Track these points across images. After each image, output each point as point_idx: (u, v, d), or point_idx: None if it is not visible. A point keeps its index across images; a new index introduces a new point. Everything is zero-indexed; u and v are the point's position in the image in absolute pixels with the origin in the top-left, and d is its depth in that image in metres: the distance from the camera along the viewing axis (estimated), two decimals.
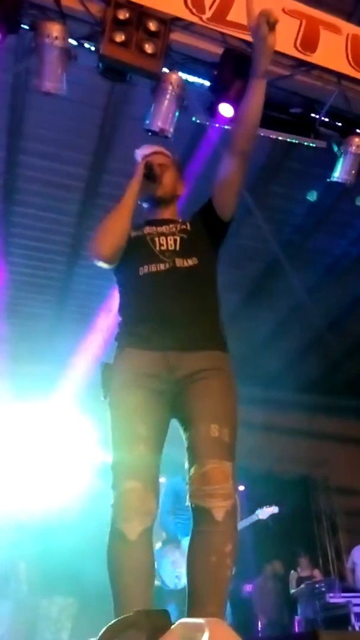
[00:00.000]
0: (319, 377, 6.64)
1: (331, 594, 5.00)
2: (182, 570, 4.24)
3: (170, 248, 1.79)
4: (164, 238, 1.81)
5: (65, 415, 5.33)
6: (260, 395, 5.99)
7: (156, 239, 1.80)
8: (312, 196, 3.11)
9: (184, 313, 1.69)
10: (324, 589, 5.16)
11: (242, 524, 4.47)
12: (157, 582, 3.90)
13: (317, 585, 5.31)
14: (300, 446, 6.31)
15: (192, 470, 1.50)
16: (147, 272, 1.74)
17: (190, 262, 1.77)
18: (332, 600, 4.95)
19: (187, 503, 1.53)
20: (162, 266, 1.74)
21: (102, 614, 1.36)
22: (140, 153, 2.00)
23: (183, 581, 3.87)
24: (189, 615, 1.35)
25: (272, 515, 4.46)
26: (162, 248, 1.78)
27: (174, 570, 3.92)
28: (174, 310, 1.69)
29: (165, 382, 1.61)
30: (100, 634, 0.81)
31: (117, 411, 1.59)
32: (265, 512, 4.37)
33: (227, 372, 1.66)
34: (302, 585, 5.45)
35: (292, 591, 5.61)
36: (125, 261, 1.79)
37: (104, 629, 0.76)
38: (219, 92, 3.04)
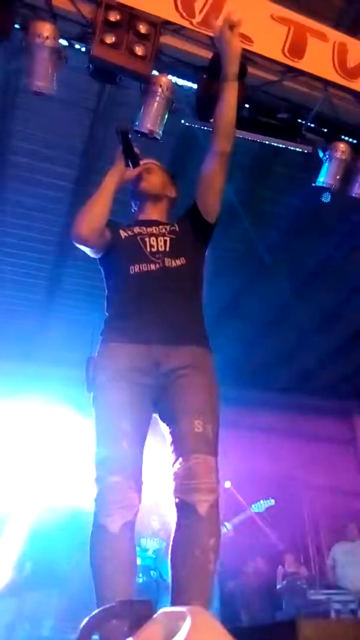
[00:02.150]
0: (303, 378, 6.73)
1: (312, 591, 5.08)
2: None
3: (160, 249, 1.83)
4: (154, 239, 1.85)
5: (55, 412, 5.34)
6: (247, 395, 6.05)
7: (147, 239, 1.85)
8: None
9: (172, 310, 1.74)
10: (305, 586, 5.24)
11: (239, 519, 4.54)
12: (155, 575, 3.94)
13: (298, 582, 5.38)
14: (284, 445, 6.39)
15: (177, 465, 1.54)
16: (137, 272, 1.78)
17: (179, 262, 1.82)
18: (313, 597, 5.02)
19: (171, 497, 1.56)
20: (152, 266, 1.79)
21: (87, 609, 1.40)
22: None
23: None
24: (175, 605, 1.40)
25: (269, 508, 4.55)
26: (153, 249, 1.83)
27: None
28: (162, 307, 1.73)
29: (150, 376, 1.64)
30: (82, 624, 0.84)
31: (101, 407, 1.62)
32: (261, 505, 4.44)
33: (210, 369, 1.71)
34: (284, 582, 5.52)
35: (278, 587, 5.69)
36: (116, 260, 1.84)
37: (86, 619, 0.79)
38: (207, 96, 3.07)
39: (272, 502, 4.53)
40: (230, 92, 1.91)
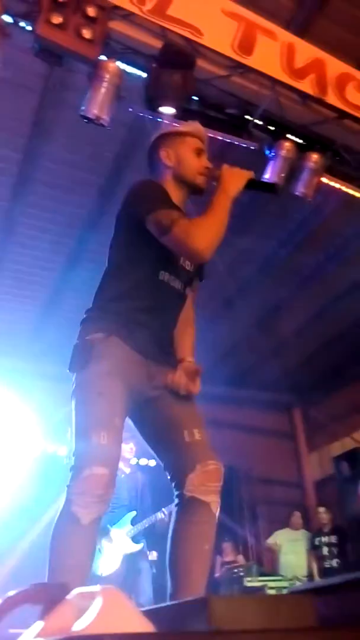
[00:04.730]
0: (245, 372, 6.87)
1: (249, 578, 5.22)
2: (109, 557, 4.27)
3: (187, 267, 1.82)
4: None
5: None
6: None
7: None
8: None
9: (169, 333, 1.78)
10: (242, 574, 5.37)
11: (171, 508, 4.57)
12: None
13: (235, 570, 5.51)
14: (226, 437, 6.51)
15: (197, 468, 1.61)
16: (165, 281, 1.75)
17: (188, 291, 1.85)
18: (249, 584, 5.16)
19: (180, 494, 1.62)
20: (177, 285, 1.78)
21: None
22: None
23: (109, 568, 3.93)
24: (179, 597, 1.47)
25: None
26: (183, 264, 1.81)
27: (101, 557, 3.96)
28: (166, 328, 1.76)
29: (143, 386, 1.67)
30: None
31: (96, 395, 1.57)
32: None
33: None
34: (222, 570, 5.65)
35: (216, 575, 5.80)
36: (155, 251, 1.71)
37: (0, 602, 0.78)
38: (156, 87, 3.06)
39: None
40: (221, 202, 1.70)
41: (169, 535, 1.64)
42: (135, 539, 4.11)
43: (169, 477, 1.69)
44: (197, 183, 1.84)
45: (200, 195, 1.88)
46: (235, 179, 1.73)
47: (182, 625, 0.72)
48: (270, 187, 1.89)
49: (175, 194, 1.82)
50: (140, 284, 1.73)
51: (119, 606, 0.69)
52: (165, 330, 1.76)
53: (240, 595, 4.01)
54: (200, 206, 1.79)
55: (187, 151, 1.85)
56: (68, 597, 0.76)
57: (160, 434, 1.71)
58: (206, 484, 1.60)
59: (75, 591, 0.76)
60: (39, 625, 0.75)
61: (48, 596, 0.80)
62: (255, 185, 1.80)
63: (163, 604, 0.99)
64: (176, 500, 1.66)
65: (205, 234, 1.63)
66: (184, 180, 1.84)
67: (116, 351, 1.63)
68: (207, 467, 1.61)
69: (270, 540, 6.17)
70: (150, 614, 0.77)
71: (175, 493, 1.66)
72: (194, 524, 1.60)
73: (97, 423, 1.54)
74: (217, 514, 1.63)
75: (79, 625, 0.69)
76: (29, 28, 2.87)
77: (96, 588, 0.73)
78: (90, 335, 1.65)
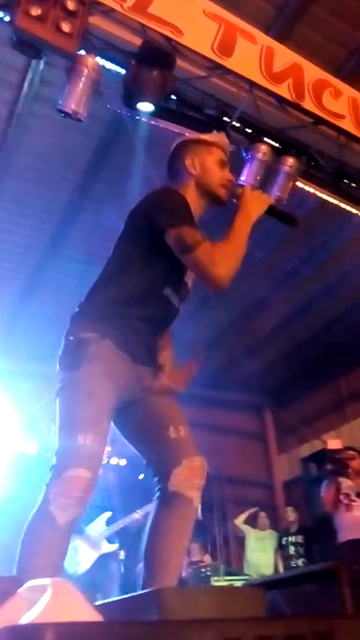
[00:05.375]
0: (217, 373, 6.90)
1: (216, 578, 5.25)
2: (83, 557, 4.24)
3: (188, 285, 1.81)
4: (191, 275, 1.81)
5: None
6: None
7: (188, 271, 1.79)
8: None
9: (159, 339, 1.79)
10: (209, 573, 5.40)
11: (146, 509, 4.56)
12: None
13: (203, 570, 5.53)
14: (197, 438, 6.53)
15: (182, 463, 1.61)
16: (168, 297, 1.73)
17: (181, 307, 1.82)
18: (216, 584, 5.19)
19: (162, 488, 1.62)
20: (175, 301, 1.76)
21: None
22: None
23: (83, 567, 3.91)
24: (151, 586, 1.47)
25: None
26: (187, 284, 1.80)
27: (75, 557, 3.94)
28: (157, 335, 1.76)
29: (131, 388, 1.67)
30: None
31: (87, 396, 1.55)
32: None
33: None
34: (189, 569, 5.66)
35: (183, 575, 5.82)
36: (164, 263, 1.70)
37: None
38: (135, 84, 3.05)
39: None
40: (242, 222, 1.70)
41: (148, 526, 1.64)
42: (109, 540, 4.11)
43: (151, 471, 1.69)
44: (219, 194, 1.82)
45: (219, 207, 1.86)
46: (257, 203, 1.74)
47: (134, 617, 0.72)
48: (288, 218, 1.86)
49: (195, 203, 1.79)
50: (144, 295, 1.71)
51: (67, 598, 0.69)
52: (156, 337, 1.78)
53: (193, 588, 4.04)
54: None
55: (212, 161, 1.84)
56: (20, 590, 0.76)
57: (145, 430, 1.71)
58: (190, 480, 1.61)
59: (27, 584, 0.75)
60: None
61: (1, 589, 0.79)
62: (274, 213, 1.81)
63: (117, 599, 0.99)
64: (157, 494, 1.65)
65: (227, 261, 1.62)
66: (206, 189, 1.82)
67: (109, 354, 1.61)
68: (192, 463, 1.62)
69: (237, 522, 6.25)
70: (104, 607, 0.77)
71: (158, 487, 1.66)
72: (174, 517, 1.61)
73: (84, 424, 1.52)
74: (198, 510, 1.65)
75: (28, 617, 0.68)
76: (7, 19, 2.84)
77: (47, 581, 0.73)
78: (84, 334, 1.62)
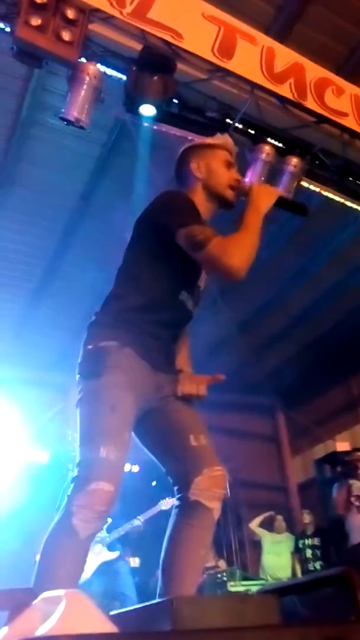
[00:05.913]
0: (228, 376, 6.87)
1: (232, 583, 5.20)
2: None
3: (201, 287, 1.81)
4: (205, 275, 1.81)
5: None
6: None
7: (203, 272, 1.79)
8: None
9: (176, 345, 1.79)
10: (225, 579, 5.35)
11: (146, 515, 4.54)
12: None
13: (219, 575, 5.49)
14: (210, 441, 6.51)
15: (204, 473, 1.59)
16: (183, 301, 1.73)
17: (195, 310, 1.81)
18: (233, 589, 5.15)
19: (183, 496, 1.60)
20: (190, 305, 1.75)
21: None
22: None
23: (84, 575, 3.88)
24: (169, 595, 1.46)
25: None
26: (200, 286, 1.79)
27: None
28: (174, 341, 1.76)
29: (151, 396, 1.66)
30: None
31: (112, 409, 1.53)
32: (167, 503, 4.43)
33: None
34: (205, 575, 5.61)
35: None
36: (178, 266, 1.69)
37: None
38: (136, 90, 3.06)
39: (177, 501, 4.57)
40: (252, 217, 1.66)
41: (167, 535, 1.62)
42: (110, 547, 4.08)
43: (171, 481, 1.67)
44: (227, 196, 1.81)
45: (229, 209, 1.84)
46: (266, 196, 1.71)
47: (147, 627, 0.71)
48: (299, 207, 1.86)
49: (204, 207, 1.78)
50: (160, 301, 1.70)
51: (82, 609, 0.68)
52: (174, 343, 1.77)
53: (205, 597, 4.00)
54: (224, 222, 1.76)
55: (218, 163, 1.83)
56: (34, 602, 0.74)
57: (165, 438, 1.69)
58: (212, 489, 1.59)
59: (41, 596, 0.74)
60: (3, 631, 0.73)
61: (13, 602, 0.78)
62: (284, 204, 1.80)
63: (130, 608, 0.97)
64: (177, 503, 1.64)
65: (241, 252, 1.59)
66: (213, 192, 1.81)
67: (130, 362, 1.60)
68: (214, 473, 1.60)
69: (252, 526, 6.20)
70: (118, 617, 0.76)
71: (178, 495, 1.64)
72: (194, 527, 1.59)
73: (107, 436, 1.50)
74: (216, 521, 1.63)
75: (43, 629, 0.67)
76: (8, 30, 2.86)
77: (60, 592, 0.72)
78: (104, 342, 1.60)
